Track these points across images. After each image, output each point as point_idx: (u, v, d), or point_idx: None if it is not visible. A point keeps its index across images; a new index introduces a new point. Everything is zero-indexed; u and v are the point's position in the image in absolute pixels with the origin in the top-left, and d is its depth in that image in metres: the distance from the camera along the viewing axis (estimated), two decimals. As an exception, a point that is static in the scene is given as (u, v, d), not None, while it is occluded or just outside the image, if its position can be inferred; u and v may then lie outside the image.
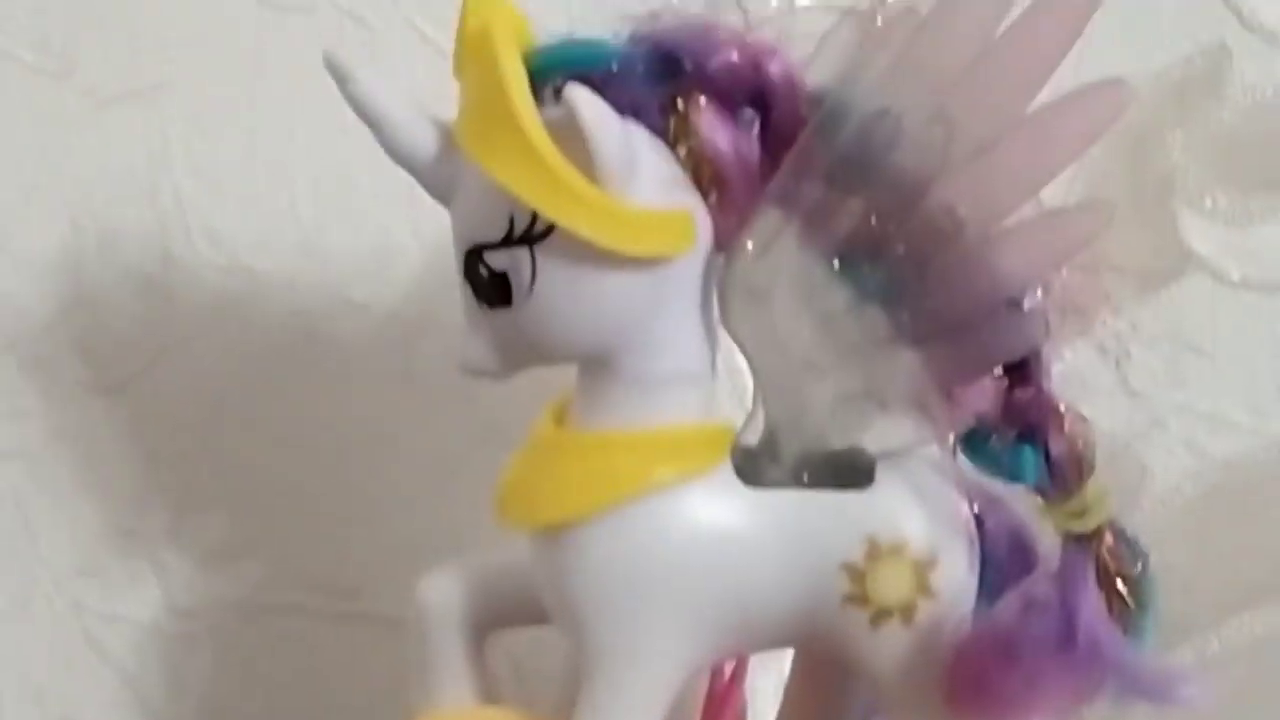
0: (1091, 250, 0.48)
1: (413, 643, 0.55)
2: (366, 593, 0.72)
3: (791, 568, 0.49)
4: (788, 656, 0.57)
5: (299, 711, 0.73)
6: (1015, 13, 0.46)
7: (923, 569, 0.49)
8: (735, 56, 0.48)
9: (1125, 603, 0.50)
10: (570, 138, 0.45)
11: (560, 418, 0.51)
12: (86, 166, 0.70)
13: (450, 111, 0.49)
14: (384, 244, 0.69)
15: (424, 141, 0.49)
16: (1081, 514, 0.49)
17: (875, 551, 0.49)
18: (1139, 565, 0.51)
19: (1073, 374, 0.51)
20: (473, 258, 0.48)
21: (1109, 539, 0.50)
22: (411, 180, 0.50)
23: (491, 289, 0.48)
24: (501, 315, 0.48)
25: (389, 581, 0.69)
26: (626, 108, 0.47)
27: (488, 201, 0.47)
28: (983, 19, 0.46)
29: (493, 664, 0.55)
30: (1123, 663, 0.48)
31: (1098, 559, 0.50)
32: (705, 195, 0.49)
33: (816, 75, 0.49)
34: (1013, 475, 0.50)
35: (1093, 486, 0.49)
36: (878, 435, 0.50)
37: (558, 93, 0.46)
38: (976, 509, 0.51)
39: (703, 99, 0.48)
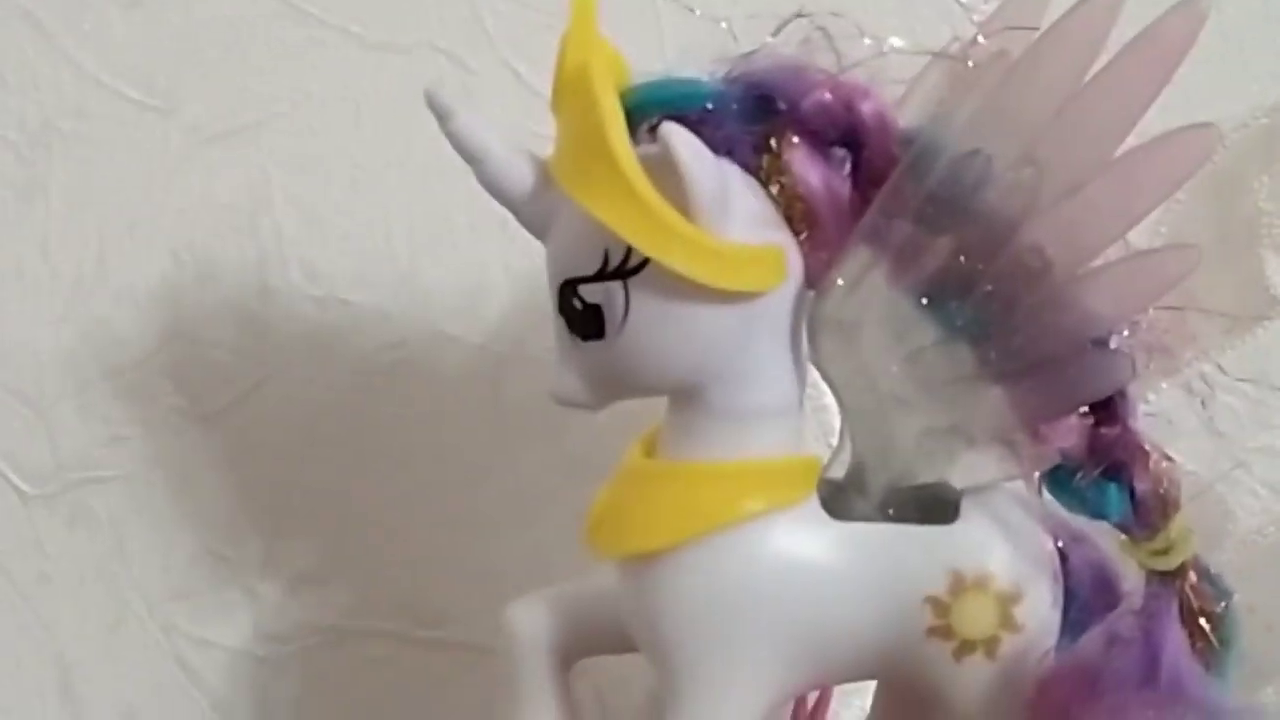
0: (1178, 292, 0.48)
1: (500, 670, 0.55)
2: (453, 620, 0.73)
3: (876, 600, 0.50)
4: (870, 689, 0.57)
5: (386, 736, 0.74)
6: (1105, 57, 0.46)
7: (1007, 603, 0.50)
8: (828, 96, 0.49)
9: (1208, 641, 0.50)
10: (665, 174, 0.46)
11: (650, 449, 0.51)
12: (188, 201, 0.72)
13: (543, 151, 0.50)
14: (477, 279, 0.70)
15: (521, 177, 0.50)
16: (1165, 552, 0.49)
17: (960, 585, 0.49)
18: (1222, 604, 0.51)
19: (1158, 414, 0.51)
20: (567, 291, 0.49)
21: (1193, 577, 0.50)
22: (505, 216, 0.51)
23: (585, 322, 0.49)
24: (594, 348, 0.49)
25: (475, 609, 0.69)
26: (721, 146, 0.48)
27: (583, 236, 0.48)
28: (1073, 63, 0.46)
29: (577, 693, 0.55)
30: (1205, 701, 0.48)
31: (1181, 597, 0.50)
32: (797, 232, 0.49)
33: (908, 116, 0.50)
34: (1097, 512, 0.50)
35: (1177, 525, 0.49)
36: (963, 470, 0.50)
37: (653, 130, 0.47)
38: (1060, 545, 0.52)
39: (795, 138, 0.49)
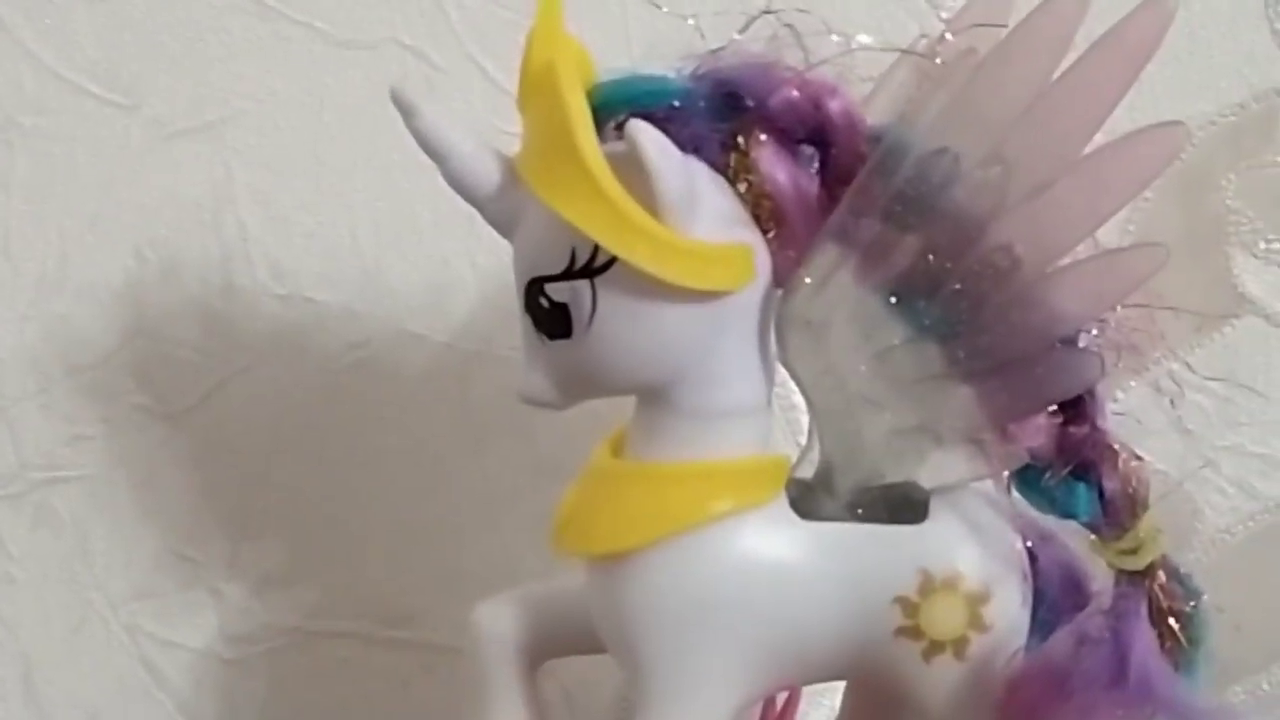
0: (1146, 290, 0.48)
1: (467, 670, 0.55)
2: (419, 621, 0.73)
3: (845, 600, 0.50)
4: (840, 689, 0.58)
5: (352, 737, 0.73)
6: (1073, 55, 0.46)
7: (976, 603, 0.50)
8: (795, 94, 0.49)
9: (1178, 640, 0.50)
10: (632, 172, 0.46)
11: (618, 449, 0.51)
12: (151, 197, 0.71)
13: (510, 148, 0.50)
14: (443, 277, 0.70)
15: (487, 174, 0.50)
16: (1134, 551, 0.49)
17: (929, 585, 0.49)
18: (1191, 603, 0.51)
19: (1127, 413, 0.51)
20: (534, 289, 0.49)
21: (1162, 576, 0.50)
22: (470, 214, 0.50)
23: (551, 320, 0.48)
24: (561, 347, 0.49)
25: (442, 610, 0.70)
26: (688, 143, 0.48)
27: (550, 234, 0.48)
28: (1041, 61, 0.46)
29: (545, 694, 0.55)
30: (1174, 700, 0.49)
31: (1150, 596, 0.50)
32: (765, 230, 0.49)
33: (876, 113, 0.50)
34: (1065, 511, 0.50)
35: (1146, 524, 0.49)
36: (932, 470, 0.50)
37: (620, 128, 0.47)
38: (1029, 544, 0.52)
39: (763, 135, 0.49)
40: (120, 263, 0.71)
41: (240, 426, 0.72)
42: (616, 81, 0.49)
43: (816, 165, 0.50)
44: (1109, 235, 0.48)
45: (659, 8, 0.55)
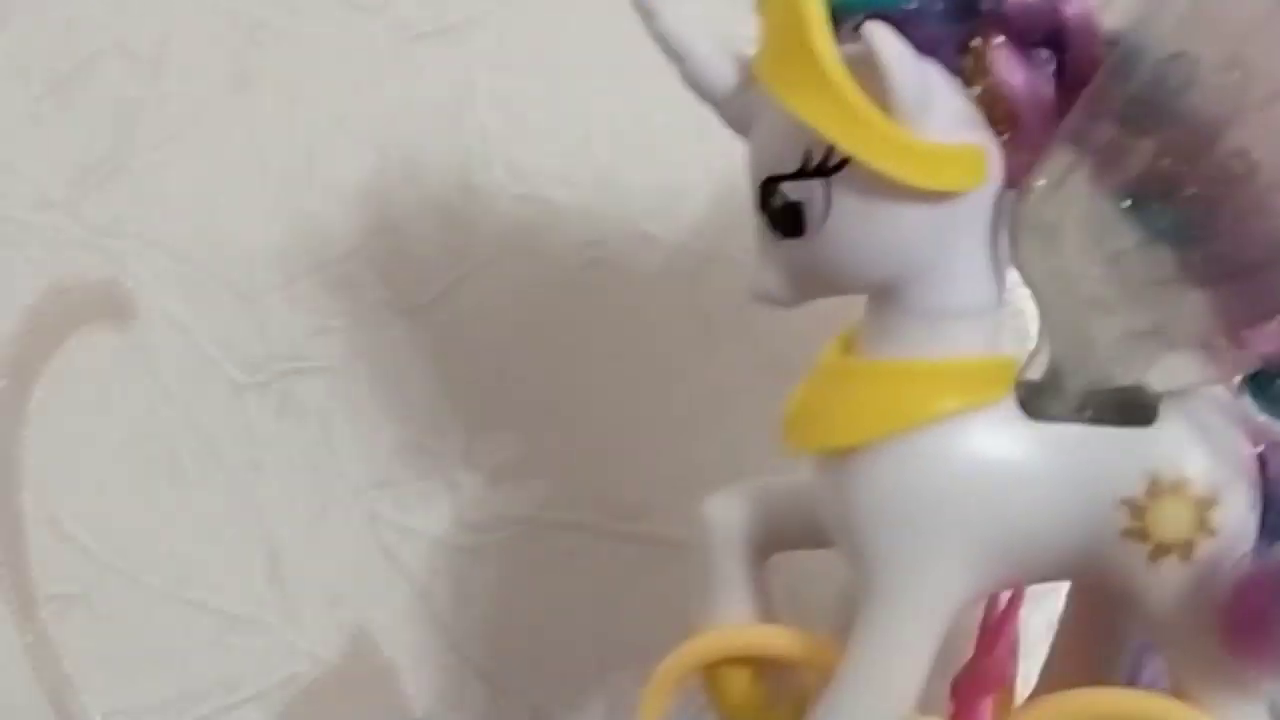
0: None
1: (695, 562, 0.56)
2: (648, 514, 0.74)
3: (1071, 500, 0.50)
4: (1062, 593, 0.58)
5: (581, 625, 0.75)
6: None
7: (1203, 507, 0.49)
8: (1033, -3, 0.49)
9: None
10: (868, 74, 0.46)
11: (848, 348, 0.52)
12: (395, 99, 0.73)
13: (746, 50, 0.50)
14: (676, 179, 0.71)
15: (724, 75, 0.50)
16: (1364, 458, 0.49)
17: (1156, 488, 0.49)
18: None
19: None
20: (768, 188, 0.49)
21: (1393, 483, 0.50)
22: (704, 118, 0.51)
23: (785, 219, 0.49)
24: (794, 245, 0.49)
25: (671, 503, 0.70)
26: (924, 46, 0.48)
27: (785, 134, 0.48)
28: (1284, -36, 0.45)
29: (771, 588, 0.56)
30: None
31: (1381, 503, 0.49)
32: (999, 133, 0.49)
33: (1113, 17, 0.49)
34: (1297, 417, 0.49)
35: (1379, 431, 0.49)
36: (1162, 373, 0.50)
37: (856, 29, 0.47)
38: (1260, 450, 0.51)
39: (999, 38, 0.49)
40: (364, 161, 0.73)
41: (477, 322, 0.74)
42: (854, -17, 0.49)
43: (1053, 69, 0.49)
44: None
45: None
